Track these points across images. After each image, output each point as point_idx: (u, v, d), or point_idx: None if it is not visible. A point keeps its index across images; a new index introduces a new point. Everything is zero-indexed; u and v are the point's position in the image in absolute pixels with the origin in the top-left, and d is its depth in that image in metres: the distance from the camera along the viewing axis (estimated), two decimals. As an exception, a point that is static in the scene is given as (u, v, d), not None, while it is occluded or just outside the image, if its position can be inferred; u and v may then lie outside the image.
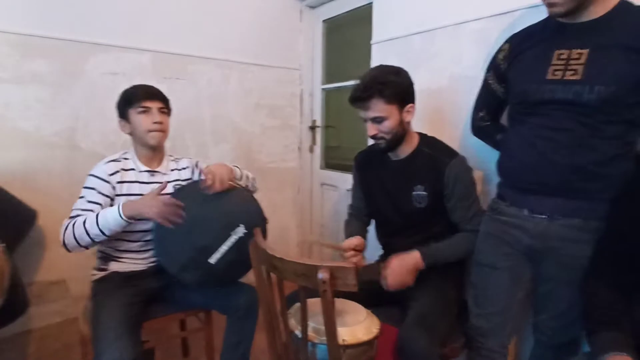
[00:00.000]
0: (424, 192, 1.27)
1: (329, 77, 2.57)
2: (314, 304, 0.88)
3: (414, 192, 1.28)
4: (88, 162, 1.32)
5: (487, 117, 1.29)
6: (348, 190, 2.33)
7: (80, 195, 1.25)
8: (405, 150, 1.31)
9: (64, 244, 1.19)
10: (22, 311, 1.41)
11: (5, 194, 1.50)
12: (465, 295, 1.27)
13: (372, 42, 1.94)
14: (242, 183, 1.40)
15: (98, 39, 1.77)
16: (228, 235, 1.21)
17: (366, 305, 1.06)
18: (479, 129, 1.34)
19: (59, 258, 1.73)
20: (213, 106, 2.19)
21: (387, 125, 1.22)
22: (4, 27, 1.57)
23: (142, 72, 1.86)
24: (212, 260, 1.20)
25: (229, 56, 2.21)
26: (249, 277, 1.31)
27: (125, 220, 1.17)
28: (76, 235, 1.17)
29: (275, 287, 0.93)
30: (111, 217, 1.17)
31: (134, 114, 1.31)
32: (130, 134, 1.36)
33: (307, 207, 2.72)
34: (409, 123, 1.27)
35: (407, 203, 1.29)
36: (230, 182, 1.32)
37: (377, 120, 1.22)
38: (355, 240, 1.28)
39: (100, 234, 1.17)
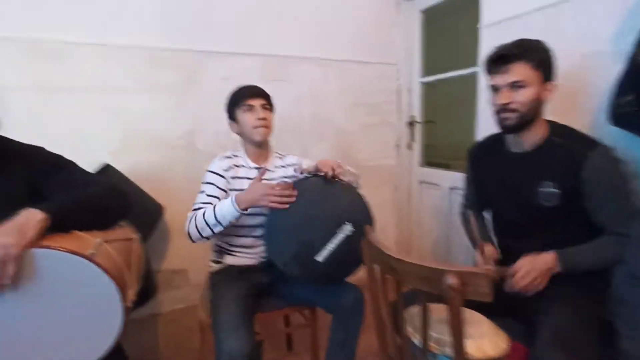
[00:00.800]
0: (555, 189, 1.09)
1: (427, 69, 2.44)
2: (434, 310, 0.81)
3: (541, 189, 1.11)
4: (204, 162, 1.42)
5: (635, 102, 1.06)
6: (451, 188, 2.19)
7: (201, 190, 1.34)
8: (532, 139, 1.14)
9: (189, 235, 1.28)
10: (152, 295, 1.59)
11: (140, 191, 1.72)
12: (608, 313, 1.06)
13: (480, 25, 1.76)
14: (346, 179, 1.38)
15: (214, 48, 1.94)
16: (335, 233, 1.20)
17: (484, 314, 0.95)
18: (622, 116, 1.11)
19: (181, 249, 1.93)
20: (313, 105, 2.23)
21: (526, 94, 1.07)
22: (140, 43, 1.80)
23: (250, 76, 1.97)
24: (320, 258, 1.19)
25: (328, 55, 2.23)
26: (354, 276, 1.29)
27: (239, 212, 1.23)
28: (198, 227, 1.25)
29: (388, 288, 0.88)
30: (227, 210, 1.23)
31: (240, 113, 1.38)
32: (239, 133, 1.43)
33: (405, 205, 2.61)
34: (544, 104, 1.11)
35: (533, 201, 1.13)
36: (336, 179, 1.31)
37: (516, 85, 1.07)
38: (490, 252, 1.17)
39: (218, 224, 1.24)
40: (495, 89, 1.12)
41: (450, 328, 0.70)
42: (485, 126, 1.73)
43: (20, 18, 1.60)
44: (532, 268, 1.02)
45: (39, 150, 1.03)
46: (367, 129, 2.43)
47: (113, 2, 1.74)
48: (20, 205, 0.82)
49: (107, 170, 1.64)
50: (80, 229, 0.89)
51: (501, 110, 1.11)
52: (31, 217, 0.80)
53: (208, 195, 1.31)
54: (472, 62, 1.94)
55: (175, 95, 1.89)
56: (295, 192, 1.23)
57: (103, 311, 0.82)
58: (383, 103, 2.47)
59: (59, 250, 0.77)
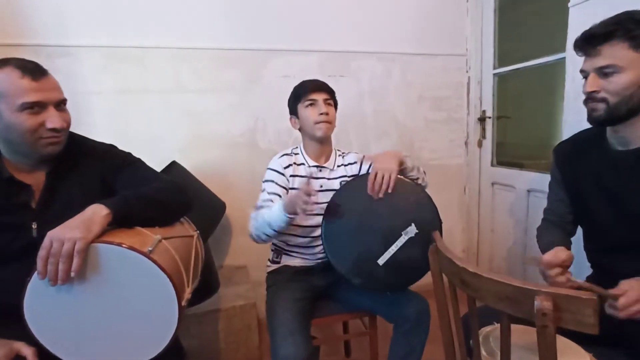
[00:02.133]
0: None
1: (501, 59, 2.21)
2: (515, 331, 0.70)
3: None
4: (265, 160, 1.41)
5: None
6: (529, 190, 1.97)
7: (262, 189, 1.32)
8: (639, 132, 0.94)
9: (251, 236, 1.24)
10: (215, 289, 1.62)
11: (203, 188, 1.77)
12: None
13: (570, 4, 1.54)
14: (414, 174, 1.27)
15: (274, 46, 1.95)
16: (398, 235, 1.10)
17: (577, 342, 0.80)
18: None
19: (242, 245, 1.97)
20: (375, 101, 2.15)
21: (620, 81, 0.87)
22: (207, 45, 1.87)
23: (310, 73, 1.95)
24: (381, 261, 1.11)
25: (390, 48, 2.14)
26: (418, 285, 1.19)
27: (287, 216, 1.14)
28: (259, 229, 1.20)
29: (459, 301, 0.77)
30: (276, 215, 1.15)
31: (302, 108, 1.34)
32: (300, 129, 1.39)
33: (474, 208, 2.41)
34: None
35: None
36: (400, 177, 1.21)
37: (606, 71, 0.88)
38: (562, 254, 0.95)
39: (270, 229, 1.17)
40: (583, 75, 0.94)
41: None
42: (575, 121, 1.51)
43: (104, 28, 1.74)
44: None
45: (111, 148, 1.08)
46: (433, 125, 2.29)
47: (184, 8, 1.82)
48: (93, 199, 0.86)
49: (173, 166, 1.70)
50: (143, 225, 0.90)
51: (587, 99, 0.93)
52: (97, 212, 0.82)
53: (269, 193, 1.28)
54: (557, 48, 1.72)
55: (238, 94, 1.93)
56: (312, 198, 1.07)
57: (159, 308, 0.82)
58: (450, 97, 2.31)
59: (119, 245, 0.78)
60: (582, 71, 0.95)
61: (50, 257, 0.74)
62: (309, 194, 1.06)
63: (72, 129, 1.04)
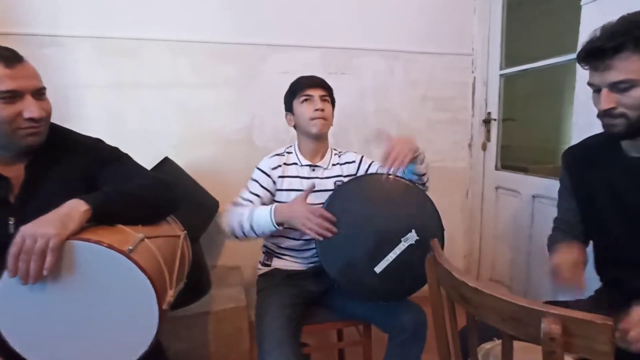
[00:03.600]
0: None
1: (508, 60, 2.15)
2: (518, 350, 0.64)
3: None
4: (261, 158, 1.35)
5: None
6: (534, 196, 1.91)
7: (246, 185, 1.29)
8: None
9: (225, 230, 1.23)
10: (206, 290, 1.57)
11: (196, 186, 1.71)
12: None
13: (583, 2, 1.48)
14: (422, 169, 1.21)
15: (274, 41, 1.89)
16: (397, 242, 1.04)
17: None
18: None
19: (236, 245, 1.91)
20: (377, 100, 2.09)
21: (638, 95, 0.81)
22: (204, 38, 1.82)
23: (310, 69, 1.87)
24: (378, 269, 1.05)
25: (394, 46, 2.08)
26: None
27: (275, 225, 1.14)
28: (234, 227, 1.19)
29: (457, 313, 0.72)
30: (263, 219, 1.15)
31: (297, 104, 1.30)
32: (295, 126, 1.34)
33: (477, 213, 2.35)
34: None
35: None
36: (401, 179, 1.16)
37: (621, 86, 0.82)
38: (573, 254, 0.90)
39: (252, 232, 1.17)
40: (594, 89, 0.88)
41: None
42: (585, 124, 1.44)
43: (95, 18, 1.69)
44: None
45: (96, 142, 1.04)
46: (436, 126, 2.23)
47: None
48: (75, 195, 0.81)
49: (165, 163, 1.65)
50: (125, 223, 0.86)
51: (603, 115, 0.87)
52: (75, 208, 0.78)
53: (250, 192, 1.25)
54: (567, 49, 1.66)
55: (235, 90, 1.89)
56: (334, 229, 1.09)
57: (139, 311, 0.77)
58: (454, 98, 2.25)
59: (97, 243, 0.74)
60: (591, 85, 0.89)
61: (21, 254, 0.70)
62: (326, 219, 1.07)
63: (61, 122, 0.99)
